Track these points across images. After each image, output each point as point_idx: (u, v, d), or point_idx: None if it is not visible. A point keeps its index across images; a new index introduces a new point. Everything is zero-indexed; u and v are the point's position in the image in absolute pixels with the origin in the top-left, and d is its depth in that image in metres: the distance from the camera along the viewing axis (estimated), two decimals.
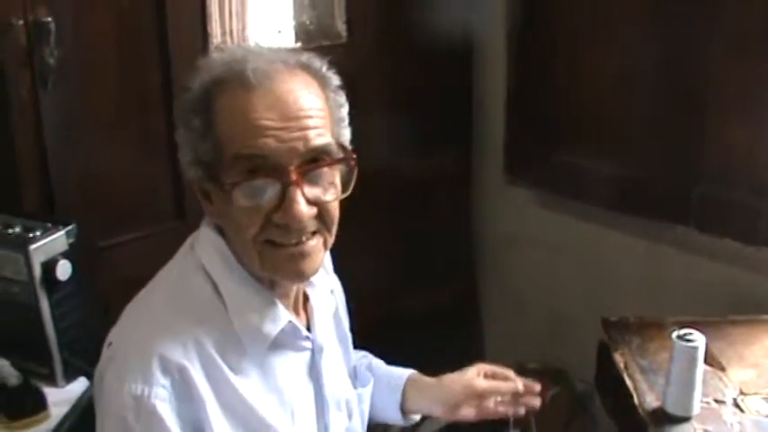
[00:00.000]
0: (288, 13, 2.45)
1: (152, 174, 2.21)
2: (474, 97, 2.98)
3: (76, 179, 2.06)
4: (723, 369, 1.85)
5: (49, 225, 1.81)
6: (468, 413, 1.50)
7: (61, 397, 1.77)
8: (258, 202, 1.15)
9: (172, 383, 1.14)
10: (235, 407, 1.19)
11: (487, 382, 1.51)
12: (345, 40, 2.56)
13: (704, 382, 1.69)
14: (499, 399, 1.50)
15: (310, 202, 1.17)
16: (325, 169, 1.19)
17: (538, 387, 1.52)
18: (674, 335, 1.67)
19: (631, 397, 1.77)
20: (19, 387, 1.75)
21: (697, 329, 1.68)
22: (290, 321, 1.25)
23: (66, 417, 1.60)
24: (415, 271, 2.85)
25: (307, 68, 1.21)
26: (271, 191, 1.15)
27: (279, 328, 1.24)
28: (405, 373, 1.57)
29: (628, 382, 1.82)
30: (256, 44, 1.28)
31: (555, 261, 2.88)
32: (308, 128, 1.16)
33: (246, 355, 1.22)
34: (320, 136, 1.17)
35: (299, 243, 1.18)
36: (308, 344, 1.31)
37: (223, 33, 2.28)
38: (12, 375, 1.76)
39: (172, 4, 2.14)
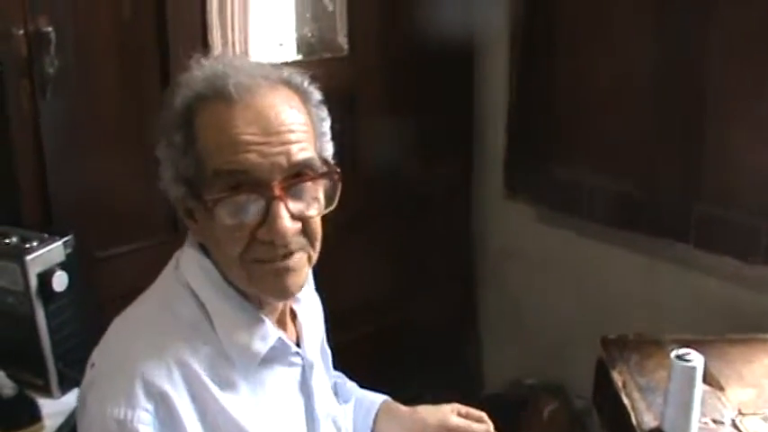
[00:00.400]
0: (290, 25, 2.46)
1: (150, 185, 2.19)
2: (474, 111, 2.98)
3: (75, 189, 2.05)
4: (722, 389, 1.83)
5: (46, 236, 1.81)
6: None
7: (56, 408, 1.77)
8: (242, 218, 1.14)
9: (155, 407, 1.12)
10: (222, 427, 1.17)
11: (461, 420, 1.48)
12: (347, 52, 2.56)
13: (702, 401, 1.68)
14: None
15: (294, 216, 1.15)
16: (309, 184, 1.18)
17: None
18: (673, 354, 1.66)
19: (629, 416, 1.76)
20: (14, 398, 1.74)
21: (696, 348, 1.67)
22: (279, 338, 1.24)
23: (60, 428, 1.60)
24: (413, 284, 2.85)
25: (288, 83, 1.20)
26: (254, 207, 1.14)
27: (269, 346, 1.22)
28: (379, 398, 1.56)
29: (625, 400, 1.81)
30: (238, 59, 1.26)
31: (554, 277, 2.87)
32: (290, 142, 1.15)
33: (236, 370, 1.20)
34: (303, 150, 1.16)
35: (284, 258, 1.17)
36: (297, 360, 1.29)
37: (224, 45, 2.28)
38: (6, 386, 1.75)
39: (173, 16, 2.14)
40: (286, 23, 2.45)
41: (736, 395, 1.82)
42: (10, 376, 1.78)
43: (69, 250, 1.81)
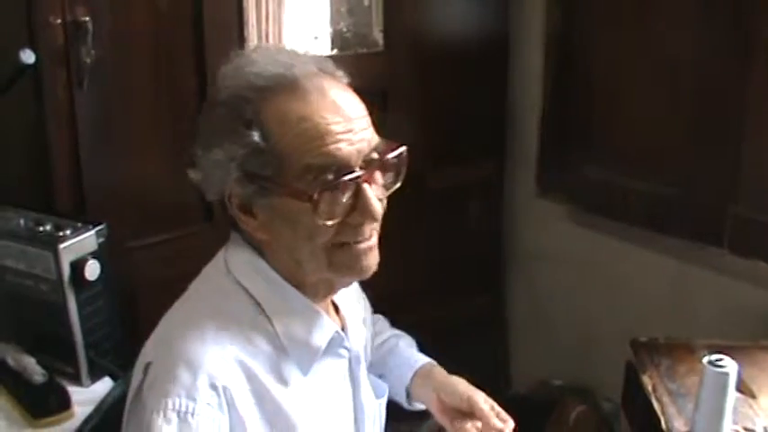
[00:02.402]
0: (325, 19, 2.45)
1: (183, 176, 2.20)
2: (508, 109, 2.96)
3: (108, 179, 2.06)
4: (754, 396, 1.81)
5: (80, 225, 1.82)
6: (452, 425, 1.45)
7: (85, 396, 1.78)
8: (337, 207, 1.16)
9: (218, 401, 1.13)
10: (278, 423, 1.19)
11: (487, 409, 1.44)
12: (382, 48, 2.55)
13: (734, 409, 1.66)
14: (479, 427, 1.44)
15: (379, 198, 1.19)
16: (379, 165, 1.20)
17: None
18: (705, 360, 1.63)
19: (659, 421, 1.74)
20: (44, 385, 1.76)
21: (728, 354, 1.65)
22: (336, 331, 1.26)
23: (89, 416, 1.60)
24: (443, 281, 2.84)
25: (334, 75, 1.22)
26: (347, 194, 1.16)
27: (328, 338, 1.24)
28: (424, 359, 1.56)
29: (656, 405, 1.79)
30: (277, 49, 1.26)
31: (584, 278, 2.85)
32: (366, 127, 1.18)
33: (293, 366, 1.21)
34: (374, 134, 1.20)
35: (366, 239, 1.20)
36: (345, 352, 1.31)
37: (259, 38, 2.28)
38: (37, 373, 1.77)
39: (209, 8, 2.14)
40: (321, 17, 2.45)
41: None
42: (40, 363, 1.80)
43: (102, 239, 1.82)
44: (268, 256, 1.23)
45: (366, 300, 1.55)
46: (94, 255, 1.80)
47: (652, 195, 2.54)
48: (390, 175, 1.23)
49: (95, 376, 1.85)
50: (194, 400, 1.11)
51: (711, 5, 2.30)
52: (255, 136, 1.14)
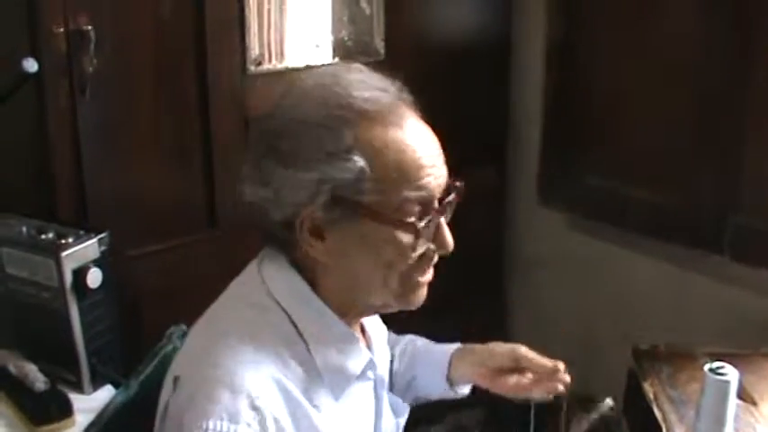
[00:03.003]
0: (326, 28, 2.46)
1: (185, 184, 2.22)
2: (509, 117, 2.97)
3: (110, 187, 2.07)
4: (755, 404, 1.81)
5: (82, 232, 1.82)
6: (505, 384, 1.46)
7: (87, 404, 1.77)
8: (427, 238, 1.18)
9: (258, 420, 1.10)
10: None
11: (532, 354, 1.48)
12: (383, 57, 2.56)
13: (736, 416, 1.66)
14: (531, 377, 1.47)
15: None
16: None
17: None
18: (707, 368, 1.63)
19: (660, 429, 1.74)
20: (45, 392, 1.76)
21: (729, 362, 1.65)
22: (371, 358, 1.26)
23: (91, 424, 1.60)
24: (445, 289, 2.83)
25: (411, 104, 1.22)
26: (433, 226, 1.18)
27: (363, 365, 1.24)
28: (451, 346, 1.55)
29: (657, 413, 1.79)
30: (361, 71, 1.23)
31: (585, 285, 2.86)
32: (444, 163, 1.20)
33: (326, 389, 1.20)
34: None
35: (431, 272, 1.24)
36: (371, 374, 1.30)
37: (261, 46, 2.29)
38: (39, 380, 1.77)
39: (211, 17, 2.15)
40: (322, 26, 2.45)
41: None
42: (42, 371, 1.79)
43: (104, 247, 1.82)
44: (320, 279, 1.21)
45: None
46: (96, 262, 1.80)
47: (653, 203, 2.54)
48: None
49: (97, 384, 1.85)
50: (237, 422, 1.08)
51: (713, 12, 2.31)
52: (360, 162, 1.13)
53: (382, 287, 1.20)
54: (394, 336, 1.62)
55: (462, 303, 2.89)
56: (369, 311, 1.29)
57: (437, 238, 1.19)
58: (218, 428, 1.08)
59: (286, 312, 1.20)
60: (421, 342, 1.59)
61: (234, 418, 1.08)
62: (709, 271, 2.44)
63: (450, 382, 1.51)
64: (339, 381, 1.21)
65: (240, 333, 1.17)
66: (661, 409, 1.80)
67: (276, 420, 1.12)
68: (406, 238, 1.16)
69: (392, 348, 1.57)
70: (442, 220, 1.20)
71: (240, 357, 1.13)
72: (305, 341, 1.19)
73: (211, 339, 1.19)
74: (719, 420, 1.62)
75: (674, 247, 2.50)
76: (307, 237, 1.17)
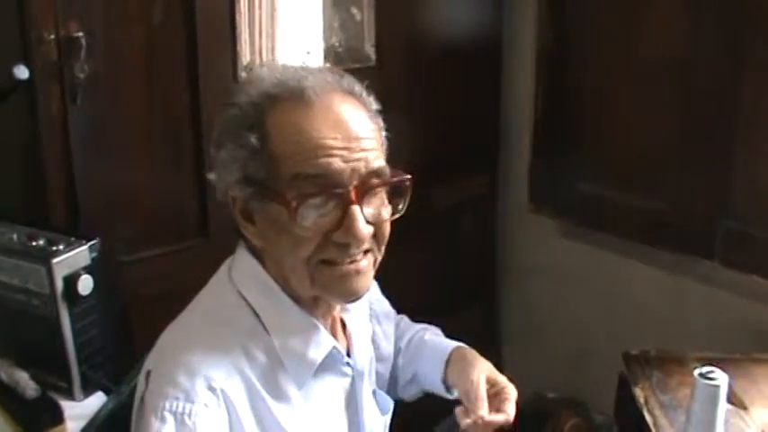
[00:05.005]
0: (317, 34, 2.46)
1: (177, 190, 2.21)
2: (500, 124, 2.98)
3: (102, 193, 2.06)
4: (745, 408, 1.82)
5: (73, 239, 1.82)
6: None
7: (78, 411, 1.77)
8: (321, 220, 1.16)
9: (216, 403, 1.13)
10: None
11: (481, 397, 1.40)
12: (374, 63, 2.56)
13: (726, 421, 1.66)
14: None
15: (368, 221, 1.18)
16: (380, 189, 1.21)
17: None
18: (696, 372, 1.64)
19: None
20: (36, 400, 1.76)
21: (719, 367, 1.66)
22: (334, 346, 1.26)
23: (82, 431, 1.60)
24: (437, 297, 2.84)
25: (352, 93, 1.23)
26: (333, 210, 1.16)
27: (324, 354, 1.24)
28: (452, 346, 1.53)
29: (648, 418, 1.80)
30: (302, 63, 1.27)
31: (577, 291, 2.86)
32: (367, 149, 1.18)
33: (290, 380, 1.22)
34: (378, 158, 1.20)
35: (353, 261, 1.19)
36: (348, 370, 1.31)
37: (252, 52, 2.29)
38: (30, 387, 1.77)
39: (202, 23, 2.15)
40: (313, 32, 2.46)
41: (760, 415, 1.80)
42: (33, 378, 1.79)
43: (95, 254, 1.82)
44: (267, 265, 1.24)
45: (387, 305, 1.56)
46: (88, 269, 1.80)
47: (644, 209, 2.55)
48: (396, 201, 1.23)
49: (88, 391, 1.85)
50: (192, 401, 1.12)
51: (702, 19, 2.32)
52: (253, 138, 1.16)
53: (293, 273, 1.20)
54: (406, 323, 1.63)
55: (454, 310, 2.89)
56: (324, 303, 1.27)
57: (344, 223, 1.16)
58: (174, 408, 1.12)
59: (248, 302, 1.22)
60: (429, 335, 1.59)
61: (189, 398, 1.12)
62: (700, 276, 2.45)
63: (446, 384, 1.50)
64: (301, 369, 1.22)
65: (204, 325, 1.22)
66: (652, 414, 1.80)
67: (233, 403, 1.14)
68: (283, 216, 1.15)
69: (399, 340, 1.58)
70: (353, 207, 1.15)
71: (201, 346, 1.17)
72: (266, 329, 1.21)
73: (179, 333, 1.23)
74: (710, 425, 1.63)
75: (665, 252, 2.51)
76: (240, 219, 1.22)
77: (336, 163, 1.15)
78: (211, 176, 1.24)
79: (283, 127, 1.16)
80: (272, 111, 1.17)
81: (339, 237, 1.16)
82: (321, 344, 1.24)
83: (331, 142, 1.15)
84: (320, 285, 1.20)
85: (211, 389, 1.13)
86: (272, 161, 1.16)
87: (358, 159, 1.16)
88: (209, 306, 1.26)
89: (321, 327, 1.25)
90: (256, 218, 1.20)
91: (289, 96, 1.17)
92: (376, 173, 1.19)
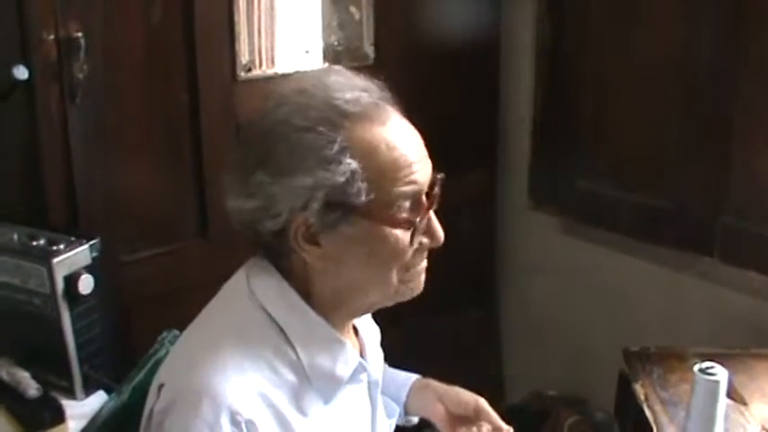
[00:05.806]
0: (316, 33, 2.46)
1: (177, 190, 2.22)
2: (499, 122, 2.98)
3: (102, 193, 2.07)
4: (745, 404, 1.82)
5: (73, 239, 1.82)
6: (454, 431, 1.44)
7: (79, 410, 1.78)
8: (421, 232, 1.20)
9: None
10: None
11: (492, 411, 1.44)
12: (372, 61, 2.57)
13: (726, 416, 1.67)
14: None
15: None
16: None
17: None
18: (696, 368, 1.64)
19: (651, 430, 1.75)
20: (38, 399, 1.76)
21: (719, 362, 1.66)
22: (360, 361, 1.26)
23: (83, 430, 1.60)
24: (436, 294, 2.84)
25: (392, 102, 1.23)
26: (425, 219, 1.20)
27: (352, 369, 1.24)
28: (413, 375, 1.55)
29: (648, 413, 1.80)
30: (344, 73, 1.24)
31: (577, 288, 2.86)
32: (427, 155, 1.21)
33: (316, 395, 1.20)
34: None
35: (424, 259, 1.25)
36: (364, 376, 1.30)
37: (251, 52, 2.29)
38: (31, 387, 1.77)
39: (201, 22, 2.15)
40: (312, 31, 2.46)
41: (759, 410, 1.81)
42: (35, 377, 1.80)
43: (95, 254, 1.83)
44: (312, 284, 1.21)
45: None
46: (88, 269, 1.80)
47: (643, 206, 2.55)
48: None
49: (89, 390, 1.85)
50: None
51: (700, 18, 2.32)
52: (353, 164, 1.13)
53: (381, 284, 1.21)
54: None
55: (454, 309, 2.90)
56: (362, 311, 1.29)
57: (428, 230, 1.21)
58: None
59: (273, 319, 1.19)
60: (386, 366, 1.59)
61: (215, 431, 1.09)
62: (699, 272, 2.46)
63: (405, 410, 1.52)
64: (328, 385, 1.21)
65: (225, 341, 1.17)
66: (652, 410, 1.81)
67: None
68: (402, 234, 1.17)
69: None
70: (433, 214, 1.21)
71: (224, 368, 1.13)
72: (293, 347, 1.19)
73: (196, 348, 1.19)
74: (710, 420, 1.63)
75: (664, 249, 2.51)
76: (302, 243, 1.17)
77: (421, 176, 1.18)
78: (253, 204, 1.16)
79: (374, 148, 1.15)
80: (355, 131, 1.14)
81: (427, 243, 1.22)
82: (348, 361, 1.24)
83: (414, 157, 1.18)
84: (401, 290, 1.23)
85: (236, 423, 1.09)
86: (371, 184, 1.14)
87: (428, 168, 1.21)
88: (229, 320, 1.21)
89: (347, 342, 1.25)
90: (324, 240, 1.16)
91: (368, 114, 1.16)
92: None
